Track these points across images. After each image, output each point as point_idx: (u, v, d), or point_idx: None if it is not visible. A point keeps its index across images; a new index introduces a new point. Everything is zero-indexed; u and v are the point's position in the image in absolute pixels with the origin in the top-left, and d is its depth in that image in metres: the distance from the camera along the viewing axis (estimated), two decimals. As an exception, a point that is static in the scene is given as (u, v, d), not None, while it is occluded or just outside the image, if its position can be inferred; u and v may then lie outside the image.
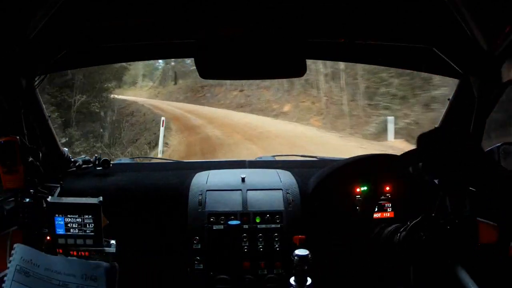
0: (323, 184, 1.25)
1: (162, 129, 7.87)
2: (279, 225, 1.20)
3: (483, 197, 1.05)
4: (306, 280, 0.97)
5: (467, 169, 0.89)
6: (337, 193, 1.24)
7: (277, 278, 1.16)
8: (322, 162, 1.56)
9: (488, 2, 0.87)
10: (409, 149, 1.13)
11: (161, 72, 20.06)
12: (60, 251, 1.07)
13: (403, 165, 1.21)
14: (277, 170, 1.40)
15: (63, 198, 1.11)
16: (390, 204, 1.26)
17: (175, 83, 18.58)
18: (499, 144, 1.13)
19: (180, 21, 1.08)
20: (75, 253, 1.07)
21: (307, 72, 1.16)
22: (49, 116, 1.31)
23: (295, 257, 0.94)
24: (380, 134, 8.24)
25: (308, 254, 0.95)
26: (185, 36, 1.14)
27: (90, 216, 1.07)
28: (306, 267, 0.95)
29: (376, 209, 1.24)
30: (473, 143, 1.03)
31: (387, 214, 1.25)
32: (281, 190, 1.27)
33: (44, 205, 1.09)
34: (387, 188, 1.26)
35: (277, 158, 1.69)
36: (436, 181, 1.16)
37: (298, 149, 6.37)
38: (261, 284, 1.16)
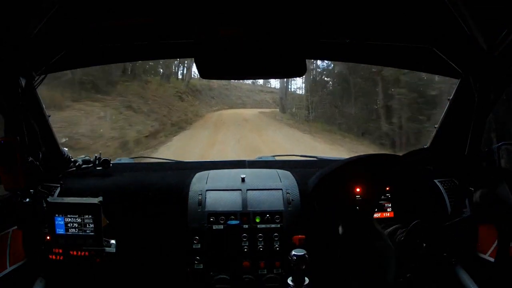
0: (323, 184, 1.25)
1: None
2: (278, 225, 1.20)
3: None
4: (304, 280, 0.97)
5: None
6: (337, 193, 1.24)
7: (277, 278, 1.16)
8: (322, 162, 1.56)
9: (488, 2, 0.87)
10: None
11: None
12: (60, 251, 1.07)
13: (404, 166, 1.21)
14: (277, 170, 1.40)
15: (63, 198, 1.11)
16: (390, 204, 1.26)
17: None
18: (499, 144, 1.12)
19: (180, 21, 1.08)
20: (75, 252, 1.07)
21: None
22: (49, 116, 1.31)
23: (293, 257, 0.95)
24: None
25: (305, 254, 0.95)
26: (185, 36, 1.14)
27: (90, 216, 1.07)
28: (303, 267, 0.95)
29: (376, 209, 1.24)
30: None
31: (387, 214, 1.25)
32: (281, 190, 1.27)
33: (44, 205, 1.09)
34: (387, 188, 1.26)
35: (277, 158, 1.69)
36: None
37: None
38: (261, 284, 1.16)
